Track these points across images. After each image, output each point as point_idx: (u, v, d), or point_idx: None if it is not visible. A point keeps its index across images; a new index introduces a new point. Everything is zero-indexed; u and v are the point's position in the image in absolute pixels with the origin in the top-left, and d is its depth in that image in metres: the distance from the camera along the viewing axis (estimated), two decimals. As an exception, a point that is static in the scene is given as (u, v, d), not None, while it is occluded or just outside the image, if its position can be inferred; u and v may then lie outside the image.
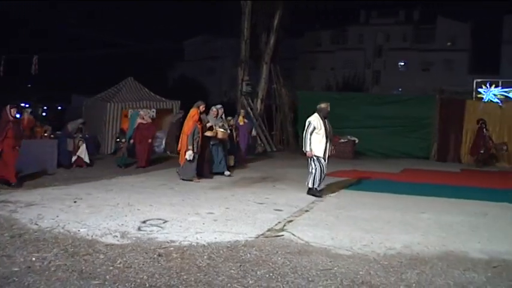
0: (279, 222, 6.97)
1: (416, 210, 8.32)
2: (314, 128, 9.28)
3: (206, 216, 7.24)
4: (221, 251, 5.38)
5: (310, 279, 4.60)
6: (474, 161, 17.41)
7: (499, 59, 49.44)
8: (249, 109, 21.48)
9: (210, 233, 6.20)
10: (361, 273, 4.84)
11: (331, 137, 9.58)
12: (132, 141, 13.43)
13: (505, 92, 19.08)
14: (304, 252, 5.48)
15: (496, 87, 19.28)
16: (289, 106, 22.68)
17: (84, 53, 37.96)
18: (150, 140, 13.58)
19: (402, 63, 53.78)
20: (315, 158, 9.31)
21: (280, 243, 5.81)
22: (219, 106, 12.69)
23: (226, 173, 11.91)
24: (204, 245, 5.63)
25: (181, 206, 8.01)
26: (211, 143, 11.57)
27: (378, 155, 20.16)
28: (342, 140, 18.92)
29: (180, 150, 11.16)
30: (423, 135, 19.44)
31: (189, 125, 10.87)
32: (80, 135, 13.27)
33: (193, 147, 10.67)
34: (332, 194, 9.88)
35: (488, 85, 19.43)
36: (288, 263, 5.06)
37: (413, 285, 4.58)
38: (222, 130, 11.76)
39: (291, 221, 7.14)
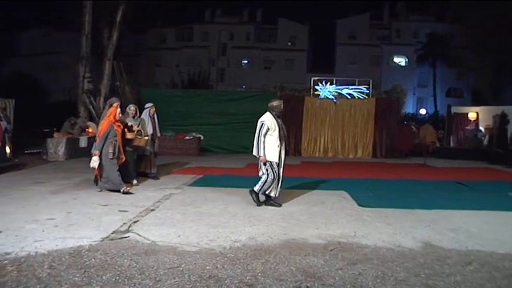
0: (124, 224, 6.80)
1: (260, 203, 8.67)
2: (268, 129, 8.35)
3: (46, 222, 6.79)
4: (63, 259, 5.10)
5: (157, 278, 4.57)
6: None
7: (334, 59, 53.71)
8: (91, 107, 20.68)
9: (51, 240, 5.83)
10: (208, 267, 4.92)
11: (286, 138, 8.72)
12: None
13: (339, 89, 20.78)
14: (151, 252, 5.42)
15: (331, 85, 20.91)
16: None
17: None
18: None
19: (246, 61, 55.73)
20: (267, 162, 8.37)
21: (126, 245, 5.68)
22: (149, 104, 11.96)
23: (134, 181, 10.68)
24: (44, 253, 5.28)
25: (18, 213, 7.39)
26: (127, 148, 10.25)
27: (223, 151, 20.67)
28: (187, 137, 19.15)
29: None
30: (266, 131, 20.21)
31: (103, 125, 9.51)
32: None
33: (113, 151, 9.35)
34: (178, 191, 9.91)
35: (324, 83, 20.98)
36: (135, 264, 4.98)
37: (259, 274, 4.76)
38: (146, 138, 10.75)
39: (136, 221, 7.01)
